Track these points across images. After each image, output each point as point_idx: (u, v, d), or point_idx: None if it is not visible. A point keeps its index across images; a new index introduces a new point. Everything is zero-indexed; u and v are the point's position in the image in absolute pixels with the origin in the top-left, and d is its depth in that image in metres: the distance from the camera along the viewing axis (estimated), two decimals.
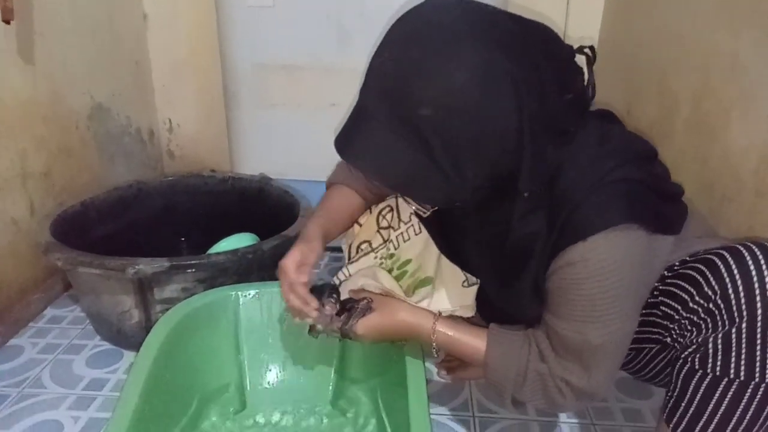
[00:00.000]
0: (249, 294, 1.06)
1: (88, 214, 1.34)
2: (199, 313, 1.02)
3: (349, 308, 0.84)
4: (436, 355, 0.84)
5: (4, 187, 1.20)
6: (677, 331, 0.75)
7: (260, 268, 1.17)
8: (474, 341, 0.81)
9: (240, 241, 1.32)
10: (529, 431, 0.99)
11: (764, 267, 0.66)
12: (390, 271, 0.93)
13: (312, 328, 0.85)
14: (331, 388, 1.04)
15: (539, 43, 0.68)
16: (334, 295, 0.87)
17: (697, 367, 0.71)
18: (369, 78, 0.68)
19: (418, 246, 0.93)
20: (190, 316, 1.01)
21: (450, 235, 0.90)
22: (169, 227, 1.53)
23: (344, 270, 0.95)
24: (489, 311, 0.92)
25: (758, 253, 0.67)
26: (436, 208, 0.86)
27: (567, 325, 0.73)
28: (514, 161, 0.66)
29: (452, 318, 0.85)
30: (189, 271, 1.08)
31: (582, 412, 1.04)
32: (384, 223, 0.95)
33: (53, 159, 1.34)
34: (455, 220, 0.86)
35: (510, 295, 0.80)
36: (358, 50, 1.46)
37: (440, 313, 0.84)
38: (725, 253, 0.69)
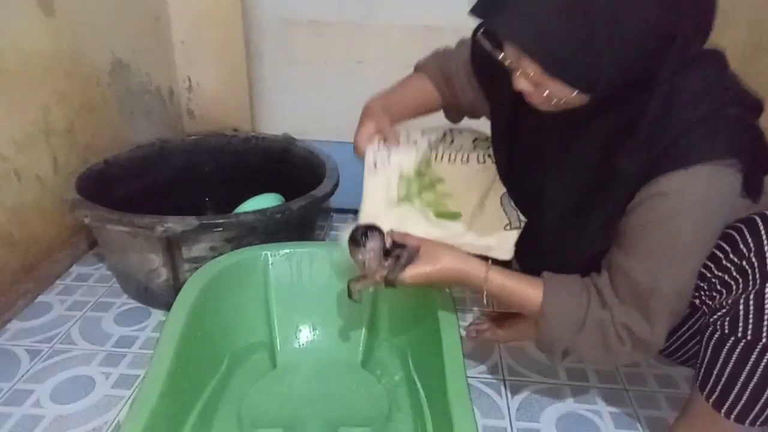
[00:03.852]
0: (279, 254, 1.05)
1: (112, 171, 1.33)
2: (229, 272, 1.02)
3: (395, 255, 0.79)
4: (486, 304, 0.81)
5: (28, 143, 1.19)
6: (707, 292, 0.72)
7: (288, 228, 1.16)
8: (528, 290, 0.77)
9: (265, 201, 1.30)
10: (561, 395, 0.99)
11: None
12: (419, 174, 0.90)
13: (352, 289, 0.81)
14: (361, 348, 1.04)
15: None
16: (379, 234, 0.80)
17: (727, 332, 0.69)
18: None
19: (459, 175, 0.90)
20: (220, 275, 1.00)
21: (524, 157, 0.84)
22: (192, 187, 1.51)
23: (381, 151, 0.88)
24: (530, 260, 0.88)
25: None
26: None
27: (640, 267, 0.69)
28: (654, 62, 0.61)
29: (503, 267, 0.81)
30: (217, 230, 1.07)
31: (614, 377, 1.03)
32: (434, 140, 0.93)
33: (75, 115, 1.32)
34: (539, 138, 0.80)
35: (575, 229, 0.75)
36: (388, 6, 1.41)
37: (491, 261, 0.80)
38: (767, 212, 0.67)
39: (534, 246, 0.84)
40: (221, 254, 1.06)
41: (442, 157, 0.90)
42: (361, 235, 0.79)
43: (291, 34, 1.48)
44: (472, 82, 0.92)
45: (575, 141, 0.73)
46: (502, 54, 0.66)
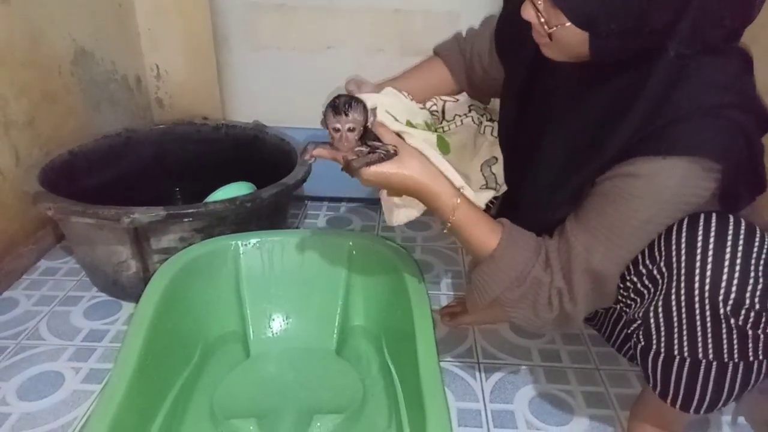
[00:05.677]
0: (249, 243, 1.04)
1: (77, 163, 1.29)
2: (199, 262, 1.00)
3: (372, 147, 0.72)
4: (445, 232, 0.78)
5: None
6: (624, 299, 0.73)
7: (259, 217, 1.14)
8: (488, 230, 0.75)
9: (236, 190, 1.28)
10: (535, 377, 1.00)
11: (713, 235, 0.63)
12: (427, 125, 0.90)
13: (309, 150, 0.75)
14: (335, 335, 1.04)
15: None
16: (363, 108, 0.72)
17: (644, 344, 0.71)
18: None
19: (459, 131, 0.91)
20: (190, 265, 0.99)
21: (532, 117, 0.82)
22: (162, 177, 1.48)
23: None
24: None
25: (713, 221, 0.64)
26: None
27: (581, 236, 0.69)
28: (662, 28, 0.59)
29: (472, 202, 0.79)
30: (186, 220, 1.05)
31: (586, 357, 1.04)
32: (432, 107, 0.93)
33: (36, 106, 1.28)
34: (549, 99, 0.79)
35: (554, 193, 0.75)
36: None
37: (462, 190, 0.77)
38: (685, 218, 0.65)
39: (515, 213, 0.82)
40: (191, 245, 1.04)
41: (446, 117, 0.91)
42: (344, 103, 0.70)
43: (257, 19, 1.45)
44: (494, 56, 0.89)
45: (580, 103, 0.72)
46: None
